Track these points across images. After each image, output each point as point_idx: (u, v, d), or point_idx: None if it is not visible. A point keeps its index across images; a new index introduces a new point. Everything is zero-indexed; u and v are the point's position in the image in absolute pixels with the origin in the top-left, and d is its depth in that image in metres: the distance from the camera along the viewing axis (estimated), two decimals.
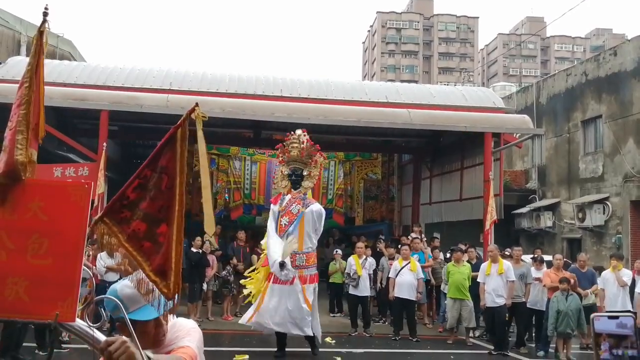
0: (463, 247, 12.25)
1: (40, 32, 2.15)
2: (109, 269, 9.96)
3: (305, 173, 9.30)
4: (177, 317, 2.43)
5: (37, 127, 2.18)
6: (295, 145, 9.30)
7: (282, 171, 9.46)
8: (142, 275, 2.04)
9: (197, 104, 2.17)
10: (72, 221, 2.00)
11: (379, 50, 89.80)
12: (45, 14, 2.25)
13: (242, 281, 10.01)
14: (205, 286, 11.95)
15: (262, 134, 16.40)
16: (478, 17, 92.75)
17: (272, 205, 9.50)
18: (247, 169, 20.39)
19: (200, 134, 2.09)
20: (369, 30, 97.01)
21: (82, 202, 2.01)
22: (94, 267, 9.53)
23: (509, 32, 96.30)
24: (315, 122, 12.72)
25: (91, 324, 1.93)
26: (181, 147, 2.08)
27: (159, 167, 2.06)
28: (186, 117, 2.11)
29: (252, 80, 15.21)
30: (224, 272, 12.43)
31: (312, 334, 8.91)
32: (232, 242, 13.49)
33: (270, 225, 9.25)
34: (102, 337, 1.94)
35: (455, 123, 13.38)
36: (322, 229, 9.44)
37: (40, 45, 2.16)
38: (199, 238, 11.92)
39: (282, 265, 8.63)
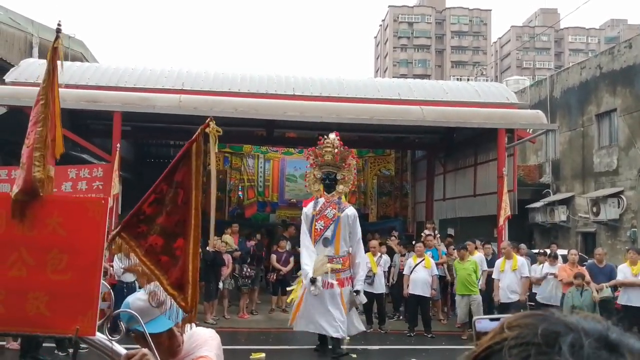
0: (471, 244, 12.20)
1: (54, 48, 2.19)
2: (126, 270, 10.04)
3: (339, 177, 9.34)
4: (196, 325, 2.47)
5: (54, 143, 2.23)
6: (329, 149, 9.32)
7: (314, 174, 9.45)
8: (155, 287, 2.08)
9: (211, 119, 2.20)
10: (90, 236, 2.05)
11: (391, 45, 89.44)
12: (58, 30, 2.29)
13: (288, 288, 10.25)
14: (221, 285, 12.02)
15: (275, 132, 16.45)
16: (491, 10, 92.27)
17: (304, 209, 9.50)
18: (261, 167, 20.47)
19: (213, 152, 2.12)
20: (380, 25, 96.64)
21: (100, 217, 2.06)
22: (111, 267, 9.61)
23: (522, 24, 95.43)
24: (328, 120, 12.73)
25: (111, 338, 1.97)
26: (196, 162, 2.12)
27: (175, 182, 2.10)
28: (201, 132, 2.14)
29: (264, 79, 15.26)
30: (247, 270, 12.48)
31: (341, 337, 9.01)
32: (275, 248, 13.47)
33: (304, 232, 9.29)
34: (122, 350, 1.99)
35: (468, 119, 13.32)
36: (359, 231, 9.50)
37: (54, 62, 2.20)
38: (215, 237, 12.00)
39: (313, 281, 8.74)
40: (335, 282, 8.88)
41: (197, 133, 2.13)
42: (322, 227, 9.10)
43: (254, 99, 13.34)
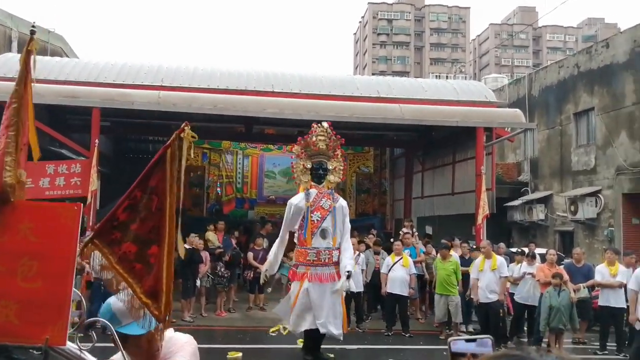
0: (451, 243, 12.25)
1: (28, 51, 2.13)
2: (98, 279, 9.88)
3: (330, 167, 9.02)
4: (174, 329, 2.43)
5: (26, 147, 2.17)
6: (323, 138, 8.98)
7: (303, 165, 9.01)
8: (128, 295, 2.04)
9: (186, 123, 2.15)
10: (62, 243, 1.99)
11: (370, 42, 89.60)
12: (32, 32, 2.22)
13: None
14: (198, 282, 11.94)
15: (254, 129, 16.38)
16: (469, 8, 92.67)
17: (292, 201, 8.99)
18: (239, 163, 20.39)
19: (184, 155, 2.07)
20: (360, 21, 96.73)
21: (72, 223, 2.00)
22: (88, 264, 9.43)
23: (501, 22, 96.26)
24: (307, 117, 12.66)
25: (82, 347, 1.92)
26: (171, 167, 2.07)
27: (149, 188, 2.05)
28: (175, 137, 2.09)
29: (243, 76, 15.19)
30: (220, 270, 12.38)
31: (339, 335, 8.70)
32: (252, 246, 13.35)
33: (285, 225, 8.95)
34: None
35: (447, 118, 13.38)
36: (349, 225, 9.26)
37: (28, 65, 2.13)
38: (192, 234, 11.91)
39: (270, 276, 8.84)
40: (335, 274, 8.65)
41: (171, 138, 2.08)
42: (319, 219, 8.72)
43: (233, 96, 13.28)
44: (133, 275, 1.99)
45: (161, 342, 2.25)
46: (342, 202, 9.07)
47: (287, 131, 17.10)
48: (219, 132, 17.00)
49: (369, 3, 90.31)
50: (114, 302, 2.23)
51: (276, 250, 9.00)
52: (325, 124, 9.09)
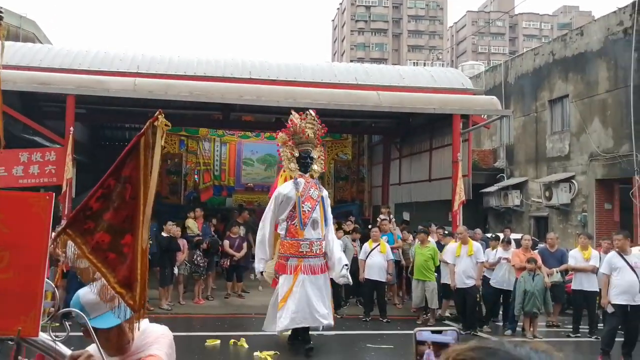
0: (433, 228, 12.39)
1: None
2: (70, 268, 9.82)
3: (315, 156, 8.81)
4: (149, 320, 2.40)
5: None
6: (311, 125, 8.76)
7: (290, 152, 8.75)
8: (102, 284, 2.02)
9: (160, 112, 2.13)
10: (33, 233, 1.96)
11: (348, 28, 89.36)
12: (0, 17, 2.18)
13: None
14: (176, 270, 11.89)
15: (232, 116, 16.30)
16: None
17: (280, 190, 8.63)
18: (217, 151, 20.29)
19: (158, 144, 2.05)
20: (338, 8, 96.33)
21: (44, 213, 1.98)
22: (64, 253, 9.31)
23: (478, 9, 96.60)
24: (285, 104, 12.64)
25: (55, 338, 1.90)
26: (145, 155, 2.05)
27: (123, 177, 2.03)
28: (149, 126, 2.07)
29: (220, 62, 15.08)
30: (196, 259, 12.33)
31: (327, 325, 8.63)
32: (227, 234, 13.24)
33: (268, 216, 8.63)
34: (67, 351, 1.92)
35: (424, 105, 13.45)
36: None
37: None
38: (170, 222, 11.85)
39: (261, 273, 8.45)
40: (325, 265, 8.54)
41: (145, 126, 2.06)
42: (309, 209, 8.47)
43: (209, 83, 13.17)
44: (107, 265, 1.98)
45: (133, 334, 2.22)
46: (325, 192, 8.98)
47: (265, 118, 17.05)
48: (196, 120, 16.89)
49: None
50: (83, 294, 2.21)
51: (266, 245, 8.58)
52: (312, 112, 8.91)
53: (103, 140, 19.56)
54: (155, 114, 2.08)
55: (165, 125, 2.10)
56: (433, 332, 1.33)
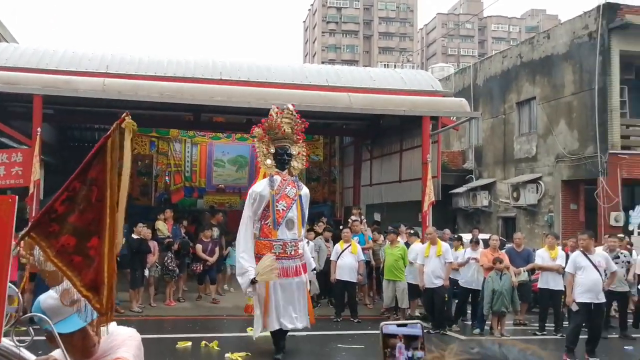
0: (403, 229, 12.48)
1: None
2: (36, 272, 9.63)
3: (294, 152, 8.37)
4: (119, 320, 2.38)
5: None
6: (288, 120, 8.27)
7: (267, 148, 8.29)
8: (68, 285, 2.00)
9: (127, 113, 2.12)
10: None
11: (319, 30, 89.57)
12: None
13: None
14: (147, 272, 11.78)
15: (203, 117, 16.19)
16: None
17: (255, 189, 8.20)
18: (188, 152, 20.14)
19: (127, 145, 2.05)
20: (309, 9, 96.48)
21: (7, 216, 1.95)
22: (32, 256, 9.13)
23: (448, 12, 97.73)
24: (256, 106, 12.61)
25: (18, 344, 1.88)
26: (111, 157, 2.04)
27: (89, 179, 2.02)
28: (116, 127, 2.07)
29: (190, 63, 14.97)
30: (167, 261, 12.21)
31: (303, 327, 8.41)
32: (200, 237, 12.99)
33: (248, 216, 8.15)
34: (31, 356, 1.91)
35: (395, 107, 13.55)
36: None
37: None
38: (140, 224, 11.73)
39: (254, 282, 7.75)
40: (301, 267, 8.20)
41: (112, 128, 2.05)
42: (284, 208, 8.05)
43: (180, 83, 13.06)
44: (72, 268, 1.96)
45: (98, 337, 2.20)
46: (305, 190, 8.58)
47: (236, 119, 16.98)
48: (166, 121, 16.74)
49: None
50: (43, 300, 2.19)
51: (248, 249, 8.05)
52: (290, 106, 8.49)
53: (72, 141, 19.26)
54: (122, 115, 2.08)
55: (133, 126, 2.09)
56: (399, 325, 1.36)
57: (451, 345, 0.98)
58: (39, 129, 11.59)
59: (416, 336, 1.32)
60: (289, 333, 8.59)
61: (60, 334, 2.06)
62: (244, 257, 7.91)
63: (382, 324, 1.29)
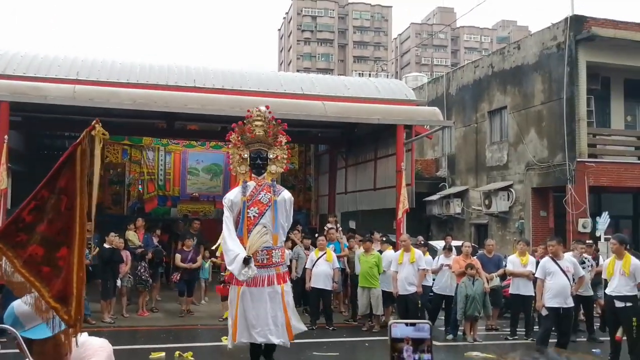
0: (377, 236, 12.55)
1: None
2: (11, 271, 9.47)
3: (271, 156, 7.93)
4: (89, 330, 2.36)
5: None
6: (259, 123, 7.83)
7: (239, 154, 7.93)
8: (37, 297, 1.98)
9: (97, 121, 2.12)
10: None
11: (294, 38, 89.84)
12: None
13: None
14: (119, 283, 11.63)
15: (176, 125, 16.09)
16: (391, 7, 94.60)
17: (228, 196, 7.90)
18: (161, 160, 19.96)
19: (98, 153, 2.04)
20: (284, 17, 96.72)
21: None
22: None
23: (421, 22, 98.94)
24: (230, 113, 12.59)
25: None
26: (81, 166, 2.03)
27: (58, 188, 2.00)
28: (85, 135, 2.06)
29: (164, 70, 14.90)
30: (140, 270, 12.06)
31: (288, 344, 7.79)
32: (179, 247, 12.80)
33: (225, 222, 7.69)
34: None
35: (369, 115, 13.65)
36: (291, 219, 8.29)
37: None
38: (112, 233, 11.59)
39: (247, 261, 7.21)
40: (275, 277, 7.64)
41: (81, 136, 2.05)
42: (256, 214, 7.65)
43: (153, 91, 12.98)
44: (40, 279, 1.94)
45: (70, 346, 2.19)
46: (285, 195, 7.98)
47: (210, 127, 16.92)
48: (139, 128, 16.58)
49: None
50: (18, 305, 2.16)
51: (232, 245, 7.52)
52: (263, 108, 8.01)
53: (41, 149, 18.91)
54: (92, 123, 2.07)
55: (103, 134, 2.09)
56: (407, 324, 1.37)
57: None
58: (6, 137, 11.38)
59: (423, 339, 1.34)
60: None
61: (33, 341, 2.04)
62: (233, 250, 7.45)
63: (390, 322, 1.30)
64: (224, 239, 7.71)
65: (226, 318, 8.25)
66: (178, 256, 12.35)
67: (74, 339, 2.08)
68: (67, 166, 2.04)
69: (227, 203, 7.79)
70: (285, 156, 8.15)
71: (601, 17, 17.40)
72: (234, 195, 7.87)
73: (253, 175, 7.93)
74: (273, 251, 7.73)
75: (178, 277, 12.37)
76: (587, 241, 12.45)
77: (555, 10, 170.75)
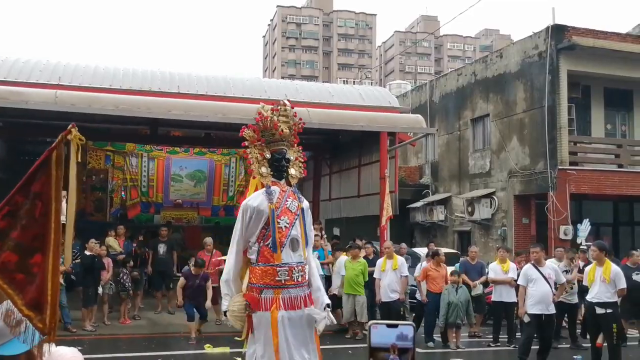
0: (360, 243, 12.56)
1: None
2: None
3: (291, 157, 6.47)
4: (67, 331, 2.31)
5: None
6: (285, 119, 6.44)
7: (261, 154, 6.41)
8: (11, 305, 1.93)
9: (73, 125, 2.09)
10: None
11: (279, 45, 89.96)
12: None
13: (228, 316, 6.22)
14: (100, 290, 11.50)
15: (160, 131, 15.96)
16: (376, 15, 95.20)
17: (250, 203, 6.11)
18: (145, 166, 19.80)
19: (73, 159, 2.00)
20: (269, 24, 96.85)
21: None
22: None
23: (405, 30, 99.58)
24: (214, 120, 12.56)
25: None
26: (57, 171, 1.99)
27: (32, 193, 1.96)
28: (61, 139, 2.02)
29: (147, 75, 14.78)
30: (122, 277, 11.95)
31: None
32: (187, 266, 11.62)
33: (239, 241, 6.13)
34: None
35: (353, 122, 13.66)
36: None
37: None
38: (92, 240, 11.47)
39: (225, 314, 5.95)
40: (308, 298, 6.13)
41: (57, 140, 2.01)
42: (287, 225, 6.17)
43: (136, 96, 12.86)
44: (14, 287, 1.89)
45: (42, 358, 2.13)
46: (306, 203, 6.67)
47: (194, 133, 16.81)
48: (122, 134, 16.42)
49: (277, 6, 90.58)
50: None
51: (230, 281, 6.11)
52: (287, 102, 6.58)
53: (23, 155, 18.69)
54: (68, 127, 2.04)
55: (80, 139, 2.06)
56: (389, 326, 1.31)
57: None
58: None
59: (408, 348, 1.28)
60: (243, 349, 6.27)
61: (4, 357, 1.98)
62: (225, 283, 6.18)
63: (370, 322, 1.24)
64: (225, 267, 6.27)
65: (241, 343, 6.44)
66: (182, 281, 11.08)
67: (45, 349, 2.02)
68: (41, 171, 2.00)
69: (250, 212, 6.15)
70: (302, 159, 6.70)
71: (582, 27, 17.64)
72: (257, 201, 6.23)
73: (273, 179, 6.40)
74: (306, 267, 6.33)
75: (150, 270, 12.37)
76: (582, 247, 12.60)
77: (537, 20, 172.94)
